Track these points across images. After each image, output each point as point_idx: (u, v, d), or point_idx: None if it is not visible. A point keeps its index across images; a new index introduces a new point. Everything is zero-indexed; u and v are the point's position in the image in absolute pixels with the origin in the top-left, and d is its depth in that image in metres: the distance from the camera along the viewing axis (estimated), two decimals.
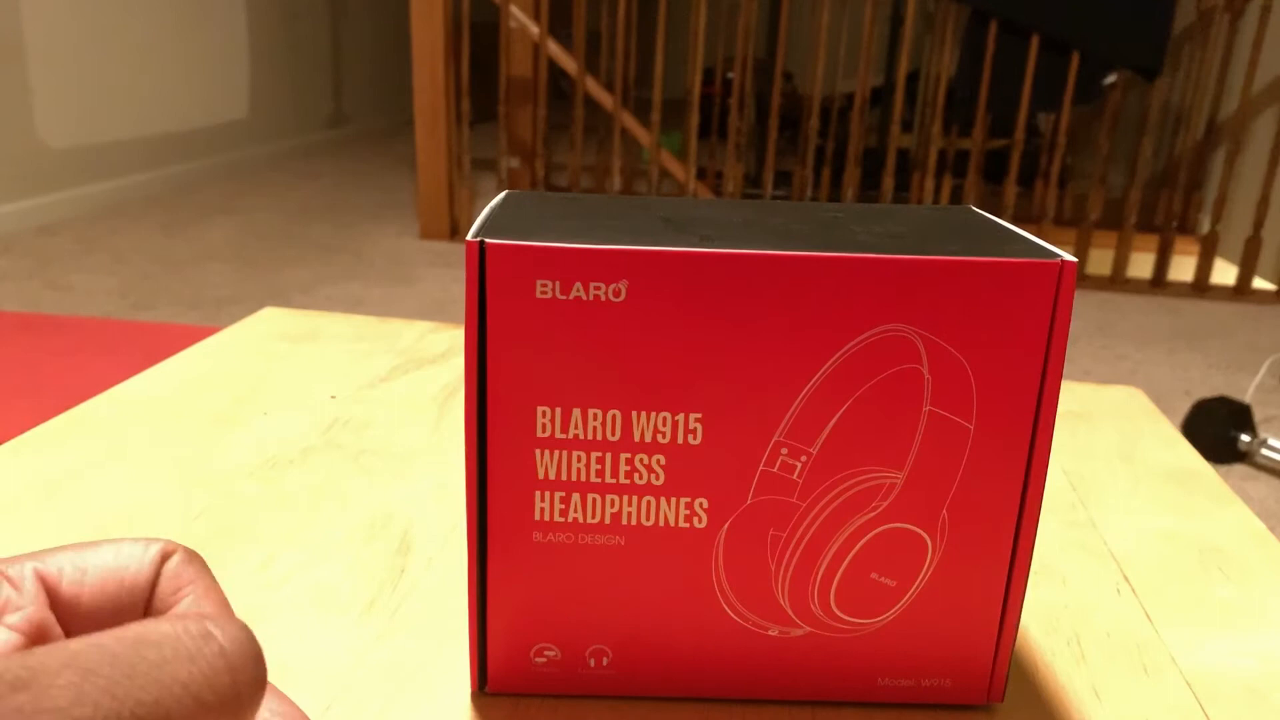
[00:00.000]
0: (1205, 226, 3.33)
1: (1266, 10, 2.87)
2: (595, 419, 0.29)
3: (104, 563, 0.23)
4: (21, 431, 0.50)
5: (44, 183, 3.18)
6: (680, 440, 0.29)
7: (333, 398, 0.56)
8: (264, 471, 0.47)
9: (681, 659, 0.32)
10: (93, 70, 3.33)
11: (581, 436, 0.29)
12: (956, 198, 3.25)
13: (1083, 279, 3.11)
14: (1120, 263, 3.10)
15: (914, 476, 0.29)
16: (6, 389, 1.91)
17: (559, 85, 5.47)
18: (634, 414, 0.29)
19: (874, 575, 0.30)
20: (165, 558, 0.23)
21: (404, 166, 4.46)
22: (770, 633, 0.31)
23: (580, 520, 0.30)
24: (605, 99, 3.19)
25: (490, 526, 0.30)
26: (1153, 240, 3.18)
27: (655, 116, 3.12)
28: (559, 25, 3.19)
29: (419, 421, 0.53)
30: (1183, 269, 3.26)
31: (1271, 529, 1.66)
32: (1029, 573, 0.33)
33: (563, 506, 0.30)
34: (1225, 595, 0.41)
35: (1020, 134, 3.05)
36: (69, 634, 0.22)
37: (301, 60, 4.71)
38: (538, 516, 0.30)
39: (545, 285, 0.28)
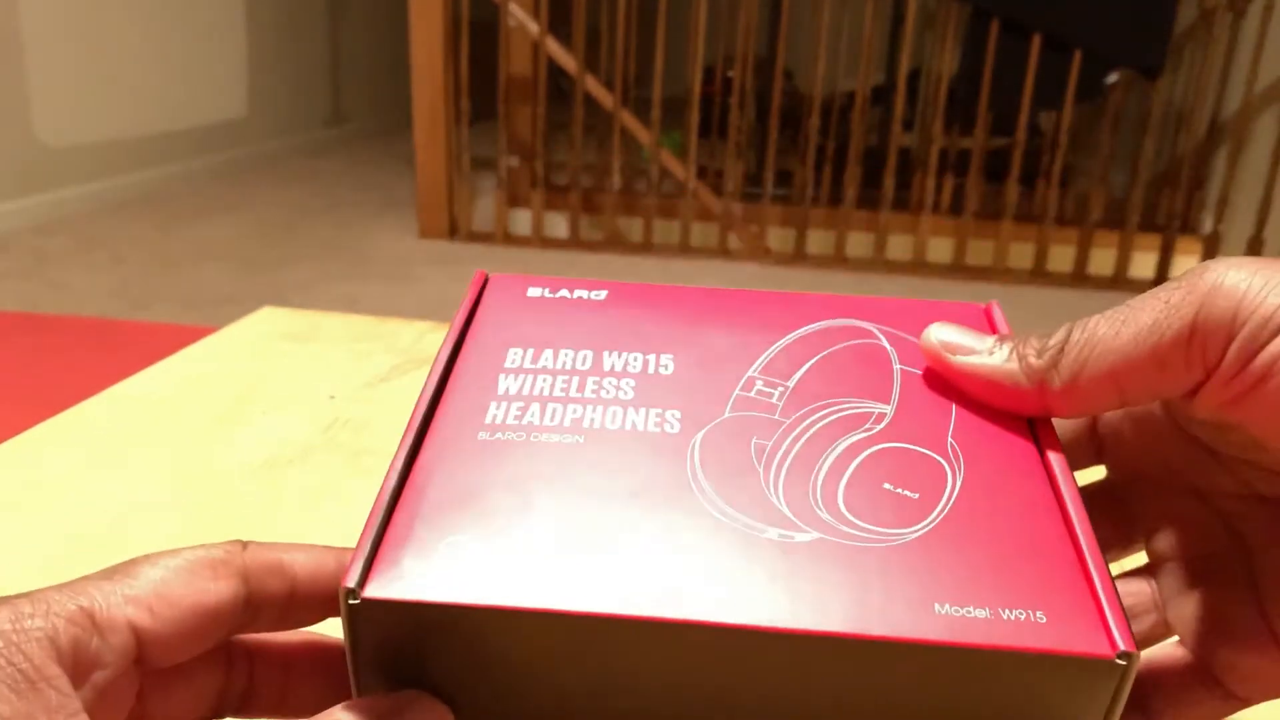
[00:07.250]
0: (1208, 226, 3.33)
1: (1269, 10, 2.87)
2: (566, 356, 0.30)
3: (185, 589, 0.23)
4: (20, 431, 0.50)
5: (42, 181, 3.18)
6: (651, 371, 0.29)
7: (332, 398, 0.55)
8: (264, 471, 0.47)
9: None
10: (91, 69, 3.33)
11: (550, 366, 0.29)
12: (958, 197, 3.24)
13: (1085, 279, 3.11)
14: (1123, 262, 3.10)
15: (904, 409, 0.28)
16: (5, 389, 1.91)
17: (559, 84, 5.45)
18: (605, 352, 0.30)
19: (887, 486, 0.25)
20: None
21: (404, 166, 4.45)
22: (767, 535, 0.24)
23: (536, 423, 0.27)
24: (605, 98, 3.19)
25: (431, 429, 0.27)
26: (1155, 240, 3.17)
27: (655, 115, 3.11)
28: (559, 24, 3.18)
29: None
30: (1185, 269, 3.25)
31: None
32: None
33: (519, 413, 0.27)
34: None
35: (1022, 133, 3.05)
36: (147, 681, 0.23)
37: (301, 59, 4.70)
38: (488, 420, 0.27)
39: (536, 290, 0.32)
